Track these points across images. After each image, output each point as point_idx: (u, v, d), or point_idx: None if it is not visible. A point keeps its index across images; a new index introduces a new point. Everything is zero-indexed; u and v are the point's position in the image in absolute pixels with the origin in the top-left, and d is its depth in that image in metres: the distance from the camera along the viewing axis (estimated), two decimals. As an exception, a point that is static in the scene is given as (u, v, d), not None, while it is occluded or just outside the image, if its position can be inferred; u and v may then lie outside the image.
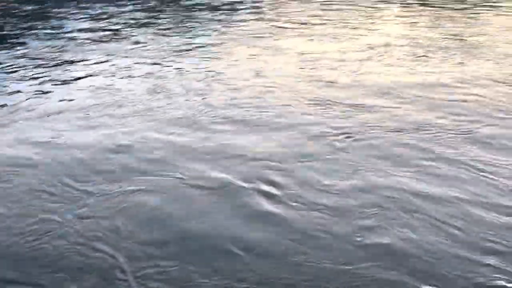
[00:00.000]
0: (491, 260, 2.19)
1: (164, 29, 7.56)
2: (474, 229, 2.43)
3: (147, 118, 3.92)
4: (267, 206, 2.64)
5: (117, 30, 7.53)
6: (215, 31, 7.42)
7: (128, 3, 10.17)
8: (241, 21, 8.15)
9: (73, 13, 9.02)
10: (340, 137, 3.49)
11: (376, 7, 9.45)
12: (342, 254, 2.24)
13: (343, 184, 2.85)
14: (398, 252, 2.26)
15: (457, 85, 4.72)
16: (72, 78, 5.08)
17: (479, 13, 8.69)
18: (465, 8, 9.22)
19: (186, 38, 6.93)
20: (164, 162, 3.15)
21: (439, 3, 9.83)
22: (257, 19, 8.28)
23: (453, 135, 3.54)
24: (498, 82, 4.84)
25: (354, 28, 7.46)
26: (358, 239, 2.35)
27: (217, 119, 3.89)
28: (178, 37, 7.00)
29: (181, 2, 10.35)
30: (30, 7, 9.87)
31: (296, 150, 3.30)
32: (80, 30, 7.52)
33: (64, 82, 4.97)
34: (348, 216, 2.54)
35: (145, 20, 8.31)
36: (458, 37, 6.88)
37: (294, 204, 2.65)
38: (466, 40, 6.70)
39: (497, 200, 2.67)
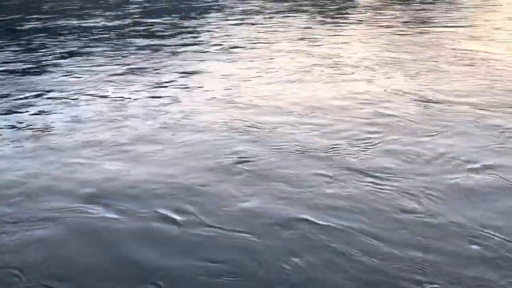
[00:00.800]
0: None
1: (98, 56, 7.56)
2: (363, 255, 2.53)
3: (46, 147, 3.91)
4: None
5: (50, 60, 7.49)
6: (143, 57, 7.47)
7: (67, 33, 10.13)
8: (173, 45, 8.25)
9: (8, 45, 8.90)
10: (243, 161, 3.58)
11: (310, 28, 9.75)
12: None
13: (236, 209, 2.91)
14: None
15: (369, 101, 4.94)
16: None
17: (420, 34, 9.10)
18: (407, 28, 9.63)
19: (115, 65, 6.95)
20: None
21: (385, 23, 10.23)
22: (190, 44, 8.39)
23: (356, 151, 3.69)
24: (407, 97, 5.09)
25: (286, 49, 7.67)
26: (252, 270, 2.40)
27: (118, 153, 3.91)
28: (110, 64, 7.01)
29: (122, 30, 10.39)
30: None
31: (195, 178, 3.36)
32: (14, 62, 7.43)
33: None
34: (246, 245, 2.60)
35: (81, 49, 8.29)
36: (385, 56, 7.19)
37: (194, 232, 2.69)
38: (393, 58, 7.00)
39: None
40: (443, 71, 6.16)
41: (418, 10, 11.79)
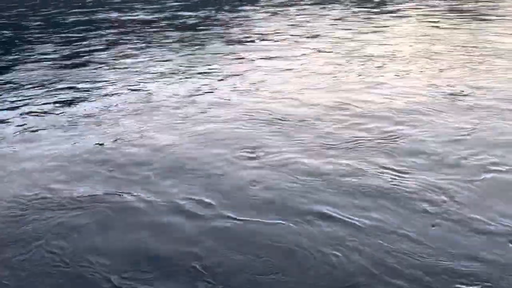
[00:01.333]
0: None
1: (132, 49, 7.78)
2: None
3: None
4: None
5: (86, 54, 7.79)
6: (174, 49, 7.62)
7: (106, 26, 10.47)
8: (204, 38, 8.36)
9: (50, 38, 9.31)
10: (262, 152, 3.64)
11: (345, 20, 9.60)
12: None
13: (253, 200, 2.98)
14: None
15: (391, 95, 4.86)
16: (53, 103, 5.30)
17: (458, 25, 8.80)
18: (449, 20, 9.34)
19: (146, 58, 7.13)
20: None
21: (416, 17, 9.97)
22: (220, 36, 8.48)
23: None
24: (436, 91, 4.96)
25: (316, 42, 7.61)
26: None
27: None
28: (141, 58, 7.21)
29: (158, 23, 10.62)
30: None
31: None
32: (61, 55, 7.78)
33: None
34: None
35: (116, 43, 8.55)
36: (419, 48, 7.02)
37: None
38: (428, 51, 6.83)
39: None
40: (479, 65, 5.95)
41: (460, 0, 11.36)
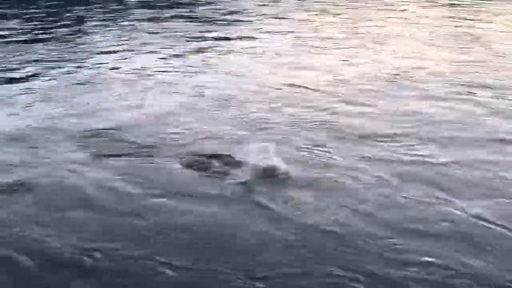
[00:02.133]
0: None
1: (97, 26, 7.66)
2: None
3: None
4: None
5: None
6: (140, 31, 7.49)
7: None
8: (169, 18, 8.25)
9: (20, 13, 9.11)
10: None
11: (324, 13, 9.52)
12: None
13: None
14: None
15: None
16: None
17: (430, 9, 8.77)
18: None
19: (109, 39, 7.02)
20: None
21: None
22: (184, 17, 8.38)
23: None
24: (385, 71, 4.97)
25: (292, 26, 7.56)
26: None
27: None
28: (102, 37, 7.09)
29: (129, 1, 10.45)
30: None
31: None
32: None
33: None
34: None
35: (95, 20, 8.41)
36: (387, 31, 7.01)
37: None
38: (397, 33, 6.84)
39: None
40: (438, 47, 5.98)
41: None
